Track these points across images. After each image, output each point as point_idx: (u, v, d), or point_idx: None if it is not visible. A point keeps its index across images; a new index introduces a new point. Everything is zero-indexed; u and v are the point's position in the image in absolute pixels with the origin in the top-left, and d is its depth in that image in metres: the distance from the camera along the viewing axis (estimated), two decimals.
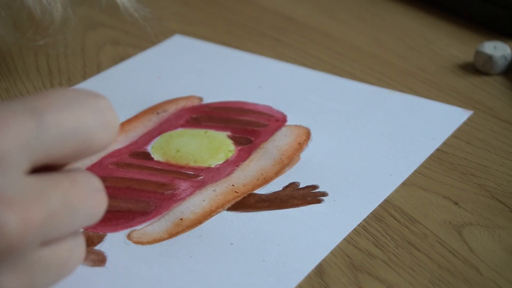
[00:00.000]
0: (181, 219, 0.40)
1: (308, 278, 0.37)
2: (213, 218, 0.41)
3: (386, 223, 0.41)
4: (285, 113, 0.50)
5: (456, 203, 0.42)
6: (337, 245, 0.39)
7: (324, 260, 0.38)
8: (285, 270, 0.37)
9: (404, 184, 0.44)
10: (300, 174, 0.44)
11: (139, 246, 0.39)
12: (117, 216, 0.41)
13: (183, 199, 0.42)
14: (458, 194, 0.43)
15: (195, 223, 0.40)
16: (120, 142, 0.48)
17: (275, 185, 0.43)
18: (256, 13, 0.67)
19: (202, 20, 0.65)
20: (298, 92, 0.53)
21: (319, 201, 0.41)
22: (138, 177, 0.44)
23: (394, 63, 0.58)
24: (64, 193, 0.30)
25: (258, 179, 0.43)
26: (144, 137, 0.48)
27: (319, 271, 0.37)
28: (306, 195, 0.42)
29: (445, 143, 0.48)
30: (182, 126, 0.49)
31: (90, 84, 0.55)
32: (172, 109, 0.51)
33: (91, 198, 0.31)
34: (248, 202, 0.42)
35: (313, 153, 0.46)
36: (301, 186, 0.43)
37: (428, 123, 0.49)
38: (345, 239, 0.39)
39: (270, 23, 0.65)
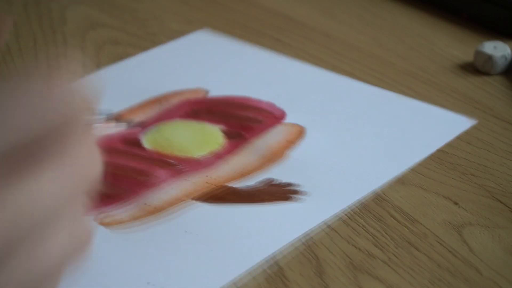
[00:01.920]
0: (146, 204, 0.41)
1: (308, 277, 0.37)
2: (178, 206, 0.41)
3: (386, 223, 0.41)
4: (287, 110, 0.50)
5: (456, 203, 0.42)
6: (337, 245, 0.39)
7: (324, 260, 0.38)
8: (228, 263, 0.37)
9: (404, 184, 0.44)
10: (282, 171, 0.44)
11: (103, 228, 0.40)
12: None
13: (154, 186, 0.43)
14: (458, 194, 0.43)
15: (159, 210, 0.41)
16: (116, 128, 0.49)
17: (252, 180, 0.43)
18: (256, 13, 0.67)
19: (202, 20, 0.65)
20: (303, 90, 0.53)
21: (287, 199, 0.41)
22: (119, 162, 0.45)
23: (394, 63, 0.58)
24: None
25: (235, 172, 0.44)
26: (142, 125, 0.49)
27: (319, 271, 0.37)
28: (276, 192, 0.42)
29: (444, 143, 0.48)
30: (181, 117, 0.49)
31: (111, 70, 0.56)
32: (175, 100, 0.51)
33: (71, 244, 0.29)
34: (217, 193, 0.42)
35: (302, 151, 0.46)
36: (278, 182, 0.43)
37: (428, 128, 0.49)
38: (345, 239, 0.39)
39: (270, 23, 0.65)
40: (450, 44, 0.61)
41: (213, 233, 0.39)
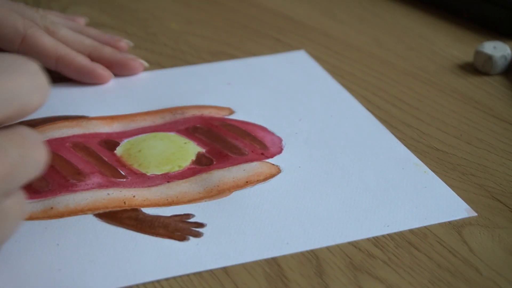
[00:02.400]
0: (51, 208, 0.41)
1: (308, 277, 0.37)
2: (76, 217, 0.41)
3: None
4: (288, 149, 0.47)
5: None
6: (337, 245, 0.39)
7: (324, 260, 0.38)
8: (68, 286, 0.36)
9: None
10: (208, 209, 0.42)
11: None
12: None
13: (74, 191, 0.42)
14: (458, 194, 0.43)
15: (57, 216, 0.41)
16: (114, 128, 0.49)
17: (180, 211, 0.42)
18: (256, 13, 0.67)
19: (202, 20, 0.65)
20: (333, 137, 0.48)
21: (183, 239, 0.39)
22: (70, 159, 0.45)
23: (394, 63, 0.58)
24: (19, 147, 0.32)
25: (167, 199, 0.42)
26: (137, 130, 0.49)
27: (319, 271, 0.37)
28: (179, 230, 0.40)
29: (444, 143, 0.48)
30: (178, 131, 0.49)
31: (164, 73, 0.56)
32: (190, 114, 0.50)
33: (38, 150, 0.33)
34: (119, 216, 0.41)
35: (248, 194, 0.43)
36: (192, 220, 0.41)
37: (423, 204, 0.42)
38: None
39: (270, 23, 0.65)
40: (450, 44, 0.61)
41: (79, 252, 0.38)
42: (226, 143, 0.47)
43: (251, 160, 0.46)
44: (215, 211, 0.41)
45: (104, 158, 0.46)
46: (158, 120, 0.50)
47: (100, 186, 0.43)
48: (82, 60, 0.53)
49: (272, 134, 0.49)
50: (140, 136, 0.48)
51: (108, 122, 0.49)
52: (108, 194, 0.42)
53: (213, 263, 0.38)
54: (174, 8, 0.68)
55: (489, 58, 0.55)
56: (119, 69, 0.55)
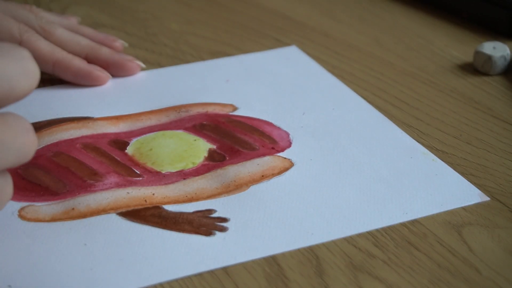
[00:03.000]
0: (72, 208, 0.41)
1: (308, 277, 0.37)
2: (99, 217, 0.41)
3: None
4: (296, 143, 0.47)
5: None
6: (337, 245, 0.39)
7: (324, 259, 0.38)
8: (102, 285, 0.36)
9: None
10: (229, 204, 0.42)
11: (18, 220, 0.40)
12: (33, 189, 0.43)
13: (93, 191, 0.43)
14: None
15: (80, 216, 0.41)
16: (121, 128, 0.49)
17: (203, 206, 0.42)
18: (256, 13, 0.67)
19: (202, 20, 0.65)
20: (337, 129, 0.49)
21: (209, 234, 0.40)
22: (84, 161, 0.45)
23: (394, 63, 0.58)
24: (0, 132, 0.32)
25: (186, 196, 0.43)
26: (144, 129, 0.49)
27: (319, 270, 0.37)
28: (203, 225, 0.40)
29: (444, 143, 0.48)
30: (186, 129, 0.49)
31: (160, 72, 0.56)
32: (195, 111, 0.51)
33: (21, 137, 0.33)
34: (143, 214, 0.41)
35: (266, 188, 0.43)
36: (215, 215, 0.41)
37: (433, 191, 0.43)
38: (345, 239, 0.39)
39: (270, 23, 0.65)
40: (449, 44, 0.61)
41: (109, 251, 0.38)
42: (235, 139, 0.48)
43: (263, 155, 0.46)
44: (236, 206, 0.42)
45: (116, 158, 0.46)
46: (163, 119, 0.50)
47: (118, 185, 0.43)
48: (79, 63, 0.53)
49: (279, 128, 0.49)
50: (148, 135, 0.48)
51: (114, 122, 0.49)
52: (128, 193, 0.42)
53: (243, 256, 0.38)
54: (174, 8, 0.68)
55: (488, 58, 0.55)
56: (115, 70, 0.55)
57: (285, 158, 0.46)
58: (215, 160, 0.46)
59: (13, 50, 0.34)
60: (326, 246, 0.39)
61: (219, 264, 0.38)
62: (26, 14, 0.55)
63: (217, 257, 0.38)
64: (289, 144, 0.47)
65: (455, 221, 0.41)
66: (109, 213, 0.41)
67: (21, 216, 0.41)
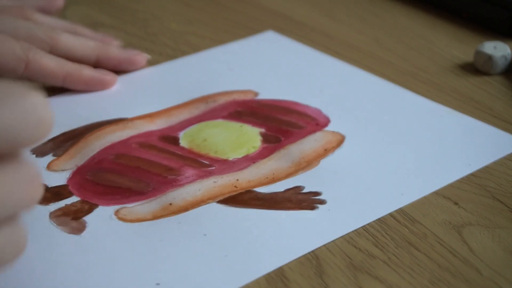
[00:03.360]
0: (170, 204, 0.41)
1: (308, 277, 0.37)
2: (200, 207, 0.41)
3: (386, 223, 0.41)
4: (333, 118, 0.49)
5: (456, 203, 0.42)
6: (337, 245, 0.39)
7: (324, 260, 0.38)
8: (242, 269, 0.37)
9: None
10: (311, 179, 0.43)
11: (120, 222, 0.40)
12: (115, 192, 0.42)
13: (181, 185, 0.43)
14: (458, 194, 0.43)
15: (181, 210, 0.41)
16: (159, 125, 0.49)
17: (281, 186, 0.43)
18: (256, 13, 0.67)
19: (202, 20, 0.65)
20: (356, 98, 0.52)
21: (313, 208, 0.41)
22: (151, 158, 0.45)
23: (394, 63, 0.58)
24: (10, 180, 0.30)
25: (266, 177, 0.43)
26: (183, 123, 0.49)
27: (319, 271, 0.37)
28: (303, 200, 0.42)
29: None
30: (224, 117, 0.49)
31: (163, 68, 0.57)
32: (222, 100, 0.51)
33: (20, 186, 0.31)
34: (241, 198, 0.42)
35: (335, 161, 0.45)
36: (305, 191, 0.43)
37: (473, 146, 0.47)
38: (345, 239, 0.39)
39: (270, 23, 0.65)
40: (450, 44, 0.61)
41: (230, 238, 0.39)
42: (279, 121, 0.49)
43: (313, 131, 0.48)
44: (318, 180, 0.43)
45: (178, 152, 0.46)
46: (194, 111, 0.50)
47: (200, 176, 0.43)
48: (89, 73, 0.53)
49: (309, 107, 0.50)
50: (192, 127, 0.48)
51: (149, 120, 0.49)
52: (215, 182, 0.43)
53: (353, 224, 0.40)
54: (174, 8, 0.68)
55: (489, 58, 0.55)
56: (126, 66, 0.56)
57: (334, 132, 0.48)
58: (272, 142, 0.47)
59: (19, 97, 0.31)
60: (326, 246, 0.39)
61: (336, 234, 0.39)
62: (25, 25, 0.54)
63: (330, 229, 0.39)
64: (328, 119, 0.49)
65: (455, 221, 0.41)
66: (207, 203, 0.41)
67: (121, 219, 0.40)
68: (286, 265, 0.38)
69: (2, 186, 0.30)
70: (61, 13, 0.65)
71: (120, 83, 0.55)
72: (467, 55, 0.58)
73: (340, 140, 0.47)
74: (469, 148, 0.46)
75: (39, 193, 0.32)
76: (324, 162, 0.45)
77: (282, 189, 0.43)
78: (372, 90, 0.53)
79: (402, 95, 0.52)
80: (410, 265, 0.38)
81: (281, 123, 0.49)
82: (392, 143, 0.47)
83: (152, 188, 0.43)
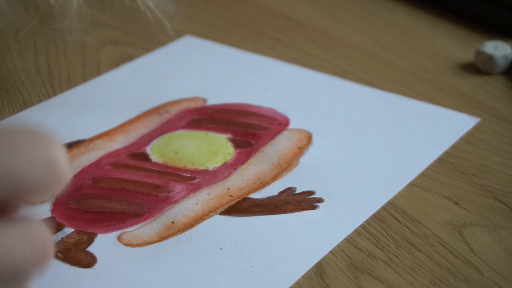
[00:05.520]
0: (172, 222, 0.40)
1: (308, 278, 0.37)
2: (205, 222, 0.40)
3: (386, 223, 0.40)
4: (289, 116, 0.49)
5: (457, 203, 0.42)
6: (338, 246, 0.39)
7: (324, 260, 0.38)
8: (273, 277, 0.36)
9: None
10: (298, 179, 0.43)
11: (128, 248, 0.39)
12: (109, 217, 0.41)
13: (176, 201, 0.42)
14: (458, 194, 0.43)
15: (187, 227, 0.40)
16: (120, 142, 0.47)
17: (271, 190, 0.43)
18: (256, 13, 0.67)
19: (202, 20, 0.65)
20: (303, 95, 0.52)
21: (314, 207, 0.41)
22: (133, 178, 0.43)
23: (394, 63, 0.58)
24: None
25: (254, 183, 0.43)
26: (144, 138, 0.48)
27: (320, 271, 0.37)
28: (301, 201, 0.41)
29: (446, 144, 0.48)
30: (183, 127, 0.48)
31: (95, 83, 0.55)
32: (174, 110, 0.50)
33: (23, 247, 0.28)
34: (241, 207, 0.41)
35: (312, 158, 0.45)
36: (298, 191, 0.42)
37: (433, 129, 0.48)
38: (345, 239, 0.39)
39: (270, 23, 0.65)
40: (450, 43, 0.61)
41: (249, 248, 0.38)
42: (241, 124, 0.48)
43: (280, 131, 0.48)
44: (306, 179, 0.43)
45: (155, 168, 0.44)
46: (149, 124, 0.49)
47: (190, 190, 0.42)
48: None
49: (262, 107, 0.50)
50: (156, 141, 0.47)
51: (108, 139, 0.48)
52: (208, 193, 0.42)
53: (360, 217, 0.40)
54: (174, 8, 0.67)
55: (490, 57, 0.55)
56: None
57: (299, 129, 0.48)
58: (244, 147, 0.46)
59: (28, 140, 0.27)
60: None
61: (349, 229, 0.39)
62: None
63: (339, 226, 0.39)
64: (286, 117, 0.49)
65: (456, 221, 0.41)
66: (210, 216, 0.41)
67: (128, 244, 0.39)
68: None
69: (8, 240, 0.28)
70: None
71: (58, 103, 0.52)
72: (467, 55, 0.58)
73: (308, 137, 0.47)
74: (430, 131, 0.48)
75: (46, 252, 0.29)
76: (302, 160, 0.45)
77: (274, 193, 0.42)
78: (312, 84, 0.54)
79: (348, 87, 0.53)
80: (410, 265, 0.38)
81: (245, 127, 0.48)
82: (356, 135, 0.47)
83: (147, 209, 0.41)
